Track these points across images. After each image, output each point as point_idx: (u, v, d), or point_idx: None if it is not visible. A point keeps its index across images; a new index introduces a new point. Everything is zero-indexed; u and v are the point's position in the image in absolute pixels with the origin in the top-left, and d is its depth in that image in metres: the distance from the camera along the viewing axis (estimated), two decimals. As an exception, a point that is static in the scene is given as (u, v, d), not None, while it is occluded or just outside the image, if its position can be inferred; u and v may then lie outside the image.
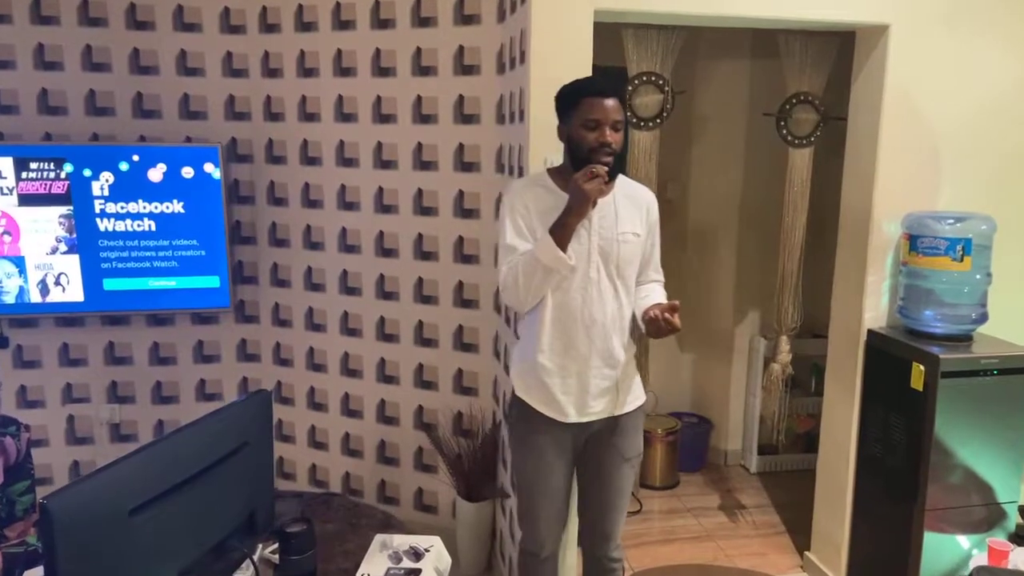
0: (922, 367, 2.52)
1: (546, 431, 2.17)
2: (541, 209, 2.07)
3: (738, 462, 4.33)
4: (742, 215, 4.13)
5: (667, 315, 1.95)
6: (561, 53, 2.45)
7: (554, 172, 2.15)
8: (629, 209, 2.15)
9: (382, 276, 3.32)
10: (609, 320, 2.12)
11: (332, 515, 1.95)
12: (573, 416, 2.15)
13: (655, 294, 2.24)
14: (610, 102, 2.02)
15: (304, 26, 3.27)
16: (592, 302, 2.09)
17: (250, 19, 3.37)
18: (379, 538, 1.71)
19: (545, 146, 2.44)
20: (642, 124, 2.93)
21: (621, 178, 2.20)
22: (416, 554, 1.66)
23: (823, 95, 3.06)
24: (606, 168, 1.99)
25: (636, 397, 2.25)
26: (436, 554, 1.67)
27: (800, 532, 3.43)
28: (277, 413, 3.66)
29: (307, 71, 3.31)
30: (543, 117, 2.43)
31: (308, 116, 3.34)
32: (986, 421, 2.55)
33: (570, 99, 2.07)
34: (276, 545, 1.62)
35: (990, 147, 2.82)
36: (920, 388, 2.53)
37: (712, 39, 3.94)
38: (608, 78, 2.23)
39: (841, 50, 3.01)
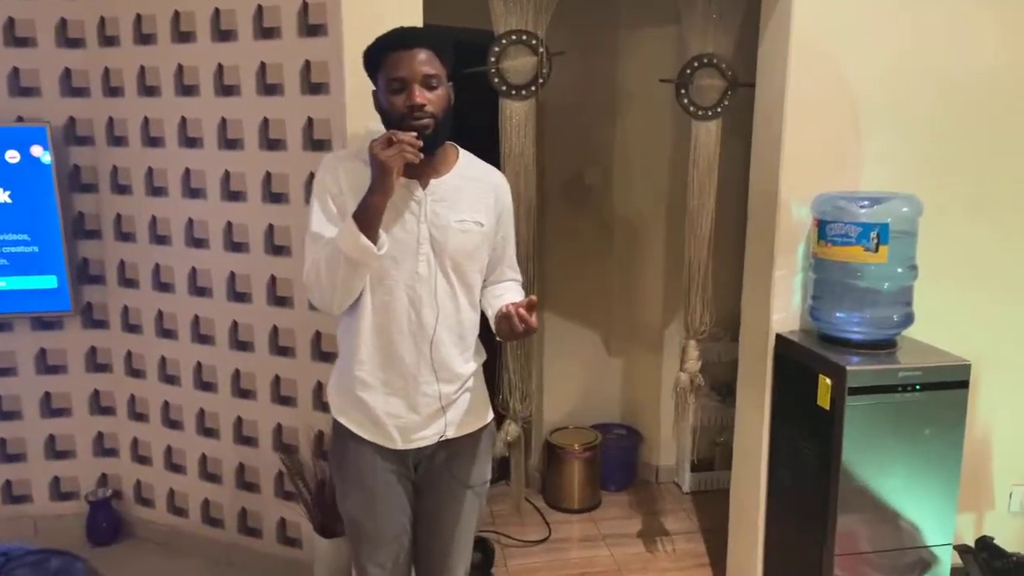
0: (828, 380, 2.06)
1: (369, 459, 1.79)
2: (357, 187, 1.66)
3: (671, 479, 3.87)
4: (671, 202, 3.65)
5: (522, 311, 1.59)
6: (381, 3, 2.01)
7: None
8: (472, 193, 1.77)
9: (233, 274, 2.88)
10: (443, 326, 1.73)
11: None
12: (399, 442, 1.77)
13: (512, 292, 1.87)
14: (417, 54, 1.62)
15: (139, -13, 2.84)
16: (421, 303, 1.71)
17: (83, -20, 2.93)
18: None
19: (365, 117, 2.00)
20: (514, 92, 2.47)
21: (466, 157, 1.82)
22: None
23: (731, 58, 2.60)
24: (415, 134, 1.58)
25: (478, 418, 1.87)
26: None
27: (723, 564, 2.98)
28: (132, 432, 3.21)
29: (144, 37, 2.86)
30: (358, 83, 2.00)
31: (148, 90, 2.90)
32: (909, 447, 2.09)
33: (372, 59, 1.69)
34: None
35: (922, 117, 2.36)
36: (827, 406, 2.07)
37: (636, 5, 3.48)
38: (418, 27, 1.79)
39: (751, 6, 2.56)
